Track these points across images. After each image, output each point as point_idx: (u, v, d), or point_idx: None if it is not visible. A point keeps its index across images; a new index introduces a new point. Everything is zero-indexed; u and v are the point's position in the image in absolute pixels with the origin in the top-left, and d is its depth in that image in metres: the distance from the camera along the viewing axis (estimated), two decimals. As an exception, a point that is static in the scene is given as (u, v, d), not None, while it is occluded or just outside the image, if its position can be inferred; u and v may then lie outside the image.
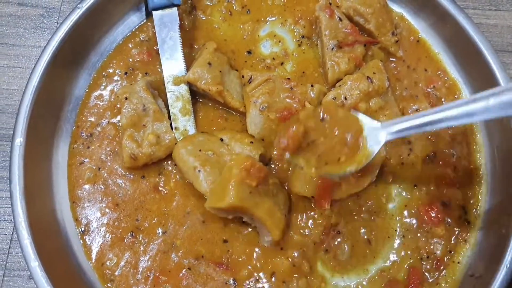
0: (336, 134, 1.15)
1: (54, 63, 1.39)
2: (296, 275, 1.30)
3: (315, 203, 1.34)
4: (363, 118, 1.18)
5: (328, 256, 1.33)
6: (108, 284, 1.29)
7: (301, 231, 1.34)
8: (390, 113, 1.39)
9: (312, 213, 1.35)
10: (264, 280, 1.30)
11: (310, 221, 1.34)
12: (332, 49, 1.44)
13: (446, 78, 1.52)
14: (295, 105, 1.38)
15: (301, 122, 1.18)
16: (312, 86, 1.41)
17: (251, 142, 1.33)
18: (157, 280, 1.29)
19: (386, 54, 1.52)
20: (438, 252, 1.35)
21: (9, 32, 1.61)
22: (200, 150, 1.31)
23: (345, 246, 1.33)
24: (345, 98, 1.37)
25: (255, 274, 1.30)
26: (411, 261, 1.34)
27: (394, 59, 1.52)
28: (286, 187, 1.36)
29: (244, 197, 1.22)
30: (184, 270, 1.30)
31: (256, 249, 1.32)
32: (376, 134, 1.14)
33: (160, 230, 1.34)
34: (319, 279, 1.31)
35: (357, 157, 1.14)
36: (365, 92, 1.37)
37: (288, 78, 1.42)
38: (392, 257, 1.34)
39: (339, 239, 1.34)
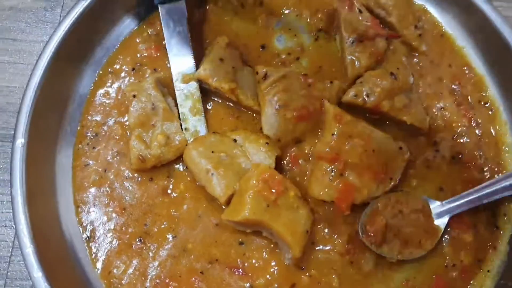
0: (412, 220, 1.27)
1: (57, 59, 1.31)
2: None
3: (336, 207, 1.27)
4: (427, 199, 1.29)
5: (353, 269, 1.25)
6: (116, 294, 1.23)
7: (325, 247, 1.26)
8: (415, 111, 1.31)
9: (334, 221, 1.27)
10: None
11: (335, 233, 1.27)
12: (352, 43, 1.36)
13: (471, 74, 1.44)
14: (313, 103, 1.30)
15: (381, 214, 1.25)
16: (331, 82, 1.33)
17: (267, 143, 1.26)
18: (166, 286, 1.22)
19: (408, 49, 1.43)
20: (466, 260, 1.27)
21: (10, 26, 1.54)
22: (212, 152, 1.23)
23: (369, 256, 1.26)
24: (367, 96, 1.29)
25: (275, 285, 1.22)
26: (437, 269, 1.26)
27: (416, 54, 1.44)
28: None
29: (261, 211, 1.15)
30: (196, 274, 1.23)
31: (275, 255, 1.24)
32: (438, 211, 1.28)
33: (170, 235, 1.26)
34: None
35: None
36: (388, 89, 1.29)
37: (305, 74, 1.33)
38: (417, 265, 1.26)
39: (365, 250, 1.26)
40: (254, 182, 1.17)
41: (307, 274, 1.23)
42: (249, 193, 1.16)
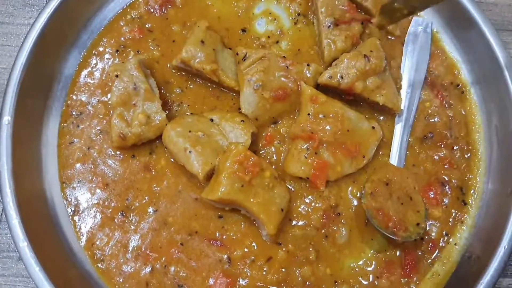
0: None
1: (42, 41, 1.36)
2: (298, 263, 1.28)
3: (311, 184, 1.32)
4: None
5: (328, 243, 1.30)
6: (98, 265, 1.28)
7: (302, 223, 1.31)
8: (387, 92, 1.36)
9: (311, 197, 1.32)
10: (260, 263, 1.27)
11: (312, 205, 1.32)
12: (329, 26, 1.40)
13: (444, 57, 1.48)
14: (290, 85, 1.35)
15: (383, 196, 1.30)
16: (308, 65, 1.37)
17: (242, 121, 1.30)
18: (147, 257, 1.27)
19: (383, 33, 1.48)
20: (434, 234, 1.33)
21: (-3, 10, 1.57)
22: (190, 131, 1.28)
23: (343, 229, 1.31)
24: (342, 77, 1.34)
25: (252, 257, 1.28)
26: (406, 243, 1.31)
27: (392, 38, 1.49)
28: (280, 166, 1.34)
29: (235, 191, 1.20)
30: (176, 246, 1.28)
31: (253, 229, 1.30)
32: None
33: (151, 209, 1.31)
34: (325, 265, 1.29)
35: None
36: (362, 71, 1.33)
37: (284, 57, 1.38)
38: (388, 238, 1.31)
39: (339, 224, 1.32)
40: (229, 163, 1.21)
41: (284, 249, 1.29)
42: (224, 174, 1.21)
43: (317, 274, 1.28)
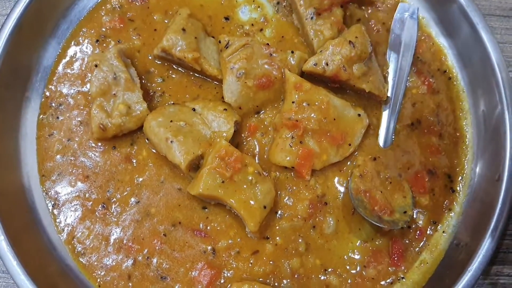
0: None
1: (19, 31, 1.32)
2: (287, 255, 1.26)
3: (296, 173, 1.30)
4: None
5: (316, 233, 1.28)
6: (79, 258, 1.25)
7: (288, 214, 1.28)
8: (373, 79, 1.33)
9: (296, 187, 1.30)
10: (246, 255, 1.25)
11: (298, 195, 1.30)
12: (312, 18, 1.37)
13: (431, 43, 1.46)
14: (274, 72, 1.32)
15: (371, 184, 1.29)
16: (292, 52, 1.34)
17: (225, 109, 1.28)
18: (129, 249, 1.25)
19: (365, 16, 1.45)
20: (421, 222, 1.31)
21: (-26, 1, 1.53)
22: (171, 121, 1.25)
23: (330, 219, 1.29)
24: (327, 64, 1.31)
25: (237, 249, 1.26)
26: (393, 231, 1.30)
27: (374, 23, 1.46)
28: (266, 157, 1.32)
29: (216, 187, 1.19)
30: (159, 237, 1.26)
31: (238, 220, 1.27)
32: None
33: (133, 200, 1.29)
34: (314, 256, 1.27)
35: None
36: (347, 58, 1.31)
37: (268, 44, 1.35)
38: (375, 227, 1.29)
39: (326, 214, 1.30)
40: (210, 158, 1.19)
41: (271, 242, 1.26)
42: (205, 169, 1.19)
43: (307, 265, 1.26)
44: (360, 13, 1.43)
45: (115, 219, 1.27)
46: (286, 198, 1.30)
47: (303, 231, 1.28)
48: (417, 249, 1.30)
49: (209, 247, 1.25)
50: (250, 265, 1.25)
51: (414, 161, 1.35)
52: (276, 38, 1.44)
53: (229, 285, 1.22)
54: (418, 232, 1.31)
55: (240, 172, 1.21)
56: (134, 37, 1.42)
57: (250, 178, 1.22)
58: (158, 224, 1.27)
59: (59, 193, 1.30)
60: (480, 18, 1.36)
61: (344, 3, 1.39)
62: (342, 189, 1.32)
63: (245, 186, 1.21)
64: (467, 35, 1.40)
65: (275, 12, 1.47)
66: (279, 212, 1.29)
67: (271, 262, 1.25)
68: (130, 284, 1.23)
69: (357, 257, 1.28)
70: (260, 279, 1.24)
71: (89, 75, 1.36)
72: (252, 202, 1.20)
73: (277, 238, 1.27)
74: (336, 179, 1.33)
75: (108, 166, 1.31)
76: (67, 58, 1.41)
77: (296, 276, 1.25)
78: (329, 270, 1.26)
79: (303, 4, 1.38)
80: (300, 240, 1.27)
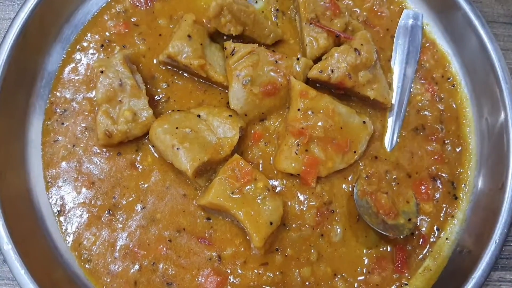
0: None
1: (24, 36, 1.31)
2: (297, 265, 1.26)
3: (301, 180, 1.30)
4: None
5: (324, 242, 1.29)
6: (86, 265, 1.25)
7: (296, 224, 1.28)
8: (378, 86, 1.34)
9: (304, 196, 1.31)
10: (253, 266, 1.25)
11: (305, 204, 1.30)
12: (310, 24, 1.37)
13: (435, 50, 1.47)
14: (280, 79, 1.33)
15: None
16: (298, 59, 1.35)
17: (230, 115, 1.28)
18: (135, 255, 1.25)
19: (367, 28, 1.46)
20: (424, 229, 1.32)
21: (-23, 4, 1.52)
22: (177, 128, 1.25)
23: (338, 227, 1.30)
24: (332, 71, 1.31)
25: (243, 260, 1.26)
26: (397, 239, 1.30)
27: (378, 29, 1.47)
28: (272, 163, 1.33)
29: (225, 196, 1.19)
30: (164, 243, 1.26)
31: (243, 232, 1.27)
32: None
33: (139, 206, 1.29)
34: (324, 264, 1.27)
35: None
36: (352, 65, 1.31)
37: (273, 51, 1.35)
38: (380, 235, 1.30)
39: (333, 222, 1.30)
40: (222, 170, 1.21)
41: (279, 253, 1.26)
42: (217, 178, 1.21)
43: (318, 273, 1.27)
44: (361, 28, 1.42)
45: (121, 225, 1.27)
46: (295, 208, 1.30)
47: (312, 240, 1.29)
48: (421, 256, 1.31)
49: (215, 254, 1.26)
50: (259, 274, 1.25)
51: (418, 164, 1.36)
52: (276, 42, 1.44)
53: None
54: (421, 239, 1.32)
55: (249, 185, 1.21)
56: (139, 42, 1.42)
57: (259, 194, 1.22)
58: (163, 230, 1.27)
59: (65, 199, 1.30)
60: (484, 25, 1.37)
61: (345, 38, 1.37)
62: (348, 196, 1.33)
63: (253, 200, 1.21)
64: (471, 43, 1.41)
65: (275, 18, 1.47)
66: (287, 225, 1.29)
67: (279, 273, 1.25)
68: (136, 290, 1.24)
69: (363, 263, 1.28)
70: (268, 288, 1.25)
71: (94, 80, 1.36)
72: (259, 217, 1.20)
73: (288, 249, 1.27)
74: (342, 186, 1.33)
75: (113, 172, 1.31)
76: (72, 64, 1.40)
77: (307, 283, 1.26)
78: (339, 276, 1.27)
79: (306, 9, 1.38)
80: (312, 251, 1.28)
